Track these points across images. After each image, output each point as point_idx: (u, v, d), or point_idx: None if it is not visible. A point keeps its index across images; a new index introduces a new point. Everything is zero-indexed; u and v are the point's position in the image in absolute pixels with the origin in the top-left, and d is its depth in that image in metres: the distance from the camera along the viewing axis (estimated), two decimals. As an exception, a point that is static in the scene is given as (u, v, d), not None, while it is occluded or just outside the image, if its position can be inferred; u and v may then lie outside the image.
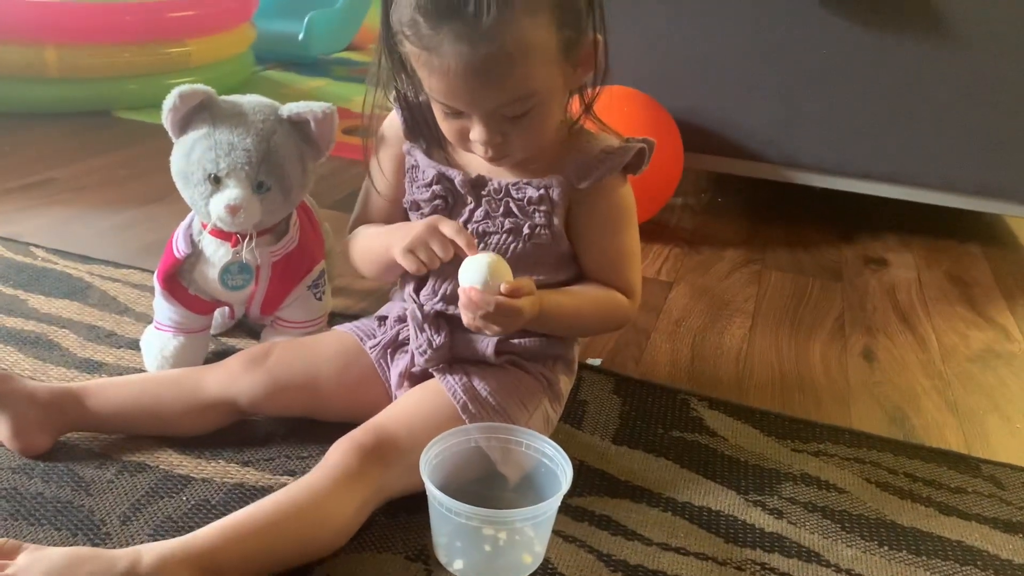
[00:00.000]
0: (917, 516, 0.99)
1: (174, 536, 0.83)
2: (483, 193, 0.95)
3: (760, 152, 1.89)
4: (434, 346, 0.95)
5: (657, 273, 1.62)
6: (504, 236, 0.95)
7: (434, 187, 0.96)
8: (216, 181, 1.03)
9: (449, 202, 0.97)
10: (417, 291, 0.99)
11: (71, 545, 0.81)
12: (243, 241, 1.07)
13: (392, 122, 1.01)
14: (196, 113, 1.04)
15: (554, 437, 0.99)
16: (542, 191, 0.93)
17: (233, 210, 1.02)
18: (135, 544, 0.82)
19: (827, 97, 1.80)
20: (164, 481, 0.92)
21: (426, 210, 0.97)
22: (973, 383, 1.32)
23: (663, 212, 1.88)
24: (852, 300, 1.59)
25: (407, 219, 1.02)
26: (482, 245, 0.95)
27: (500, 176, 0.95)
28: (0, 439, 0.94)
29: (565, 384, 1.04)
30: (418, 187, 0.98)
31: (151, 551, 0.74)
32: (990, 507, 1.01)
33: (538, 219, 0.94)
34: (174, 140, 1.06)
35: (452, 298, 0.94)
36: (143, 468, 0.94)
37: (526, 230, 0.94)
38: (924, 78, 1.74)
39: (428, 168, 0.97)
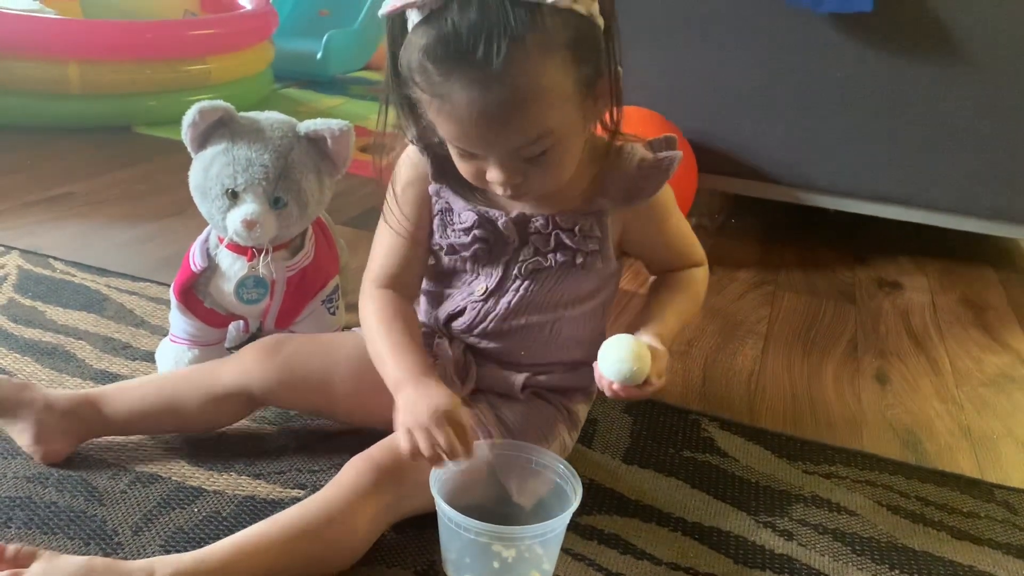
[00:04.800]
0: (929, 540, 0.98)
1: (185, 547, 0.84)
2: (530, 231, 0.91)
3: (774, 174, 1.89)
4: (464, 385, 0.95)
5: (670, 293, 1.62)
6: (556, 271, 0.92)
7: (475, 231, 0.91)
8: (233, 196, 1.04)
9: (491, 243, 0.92)
10: (448, 323, 0.97)
11: (83, 554, 0.81)
12: (259, 255, 1.08)
13: (410, 160, 0.94)
14: (215, 129, 1.05)
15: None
16: (592, 218, 0.90)
17: (250, 225, 1.03)
18: (147, 555, 0.82)
19: (842, 120, 1.80)
20: (176, 492, 0.93)
21: (466, 254, 0.93)
22: (987, 408, 1.31)
23: (676, 233, 1.88)
24: (865, 323, 1.58)
25: (420, 258, 0.97)
26: (529, 283, 0.92)
27: (541, 210, 0.90)
28: (21, 446, 0.95)
29: (582, 411, 1.02)
30: (454, 231, 0.93)
31: (165, 566, 0.74)
32: (1003, 532, 1.01)
33: (591, 246, 0.90)
34: (193, 155, 1.07)
35: (486, 334, 0.94)
36: (155, 479, 0.94)
37: (579, 260, 0.90)
38: (939, 102, 1.74)
39: (465, 211, 0.91)
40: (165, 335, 1.18)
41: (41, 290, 1.36)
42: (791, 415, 1.23)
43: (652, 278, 1.04)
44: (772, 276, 1.77)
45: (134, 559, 0.81)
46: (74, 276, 1.42)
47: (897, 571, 0.92)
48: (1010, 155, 1.75)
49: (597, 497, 0.99)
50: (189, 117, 1.03)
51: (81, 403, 0.96)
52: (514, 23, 0.72)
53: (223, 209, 1.05)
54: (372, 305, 0.94)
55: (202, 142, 1.06)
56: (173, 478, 0.95)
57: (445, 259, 0.96)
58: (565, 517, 0.81)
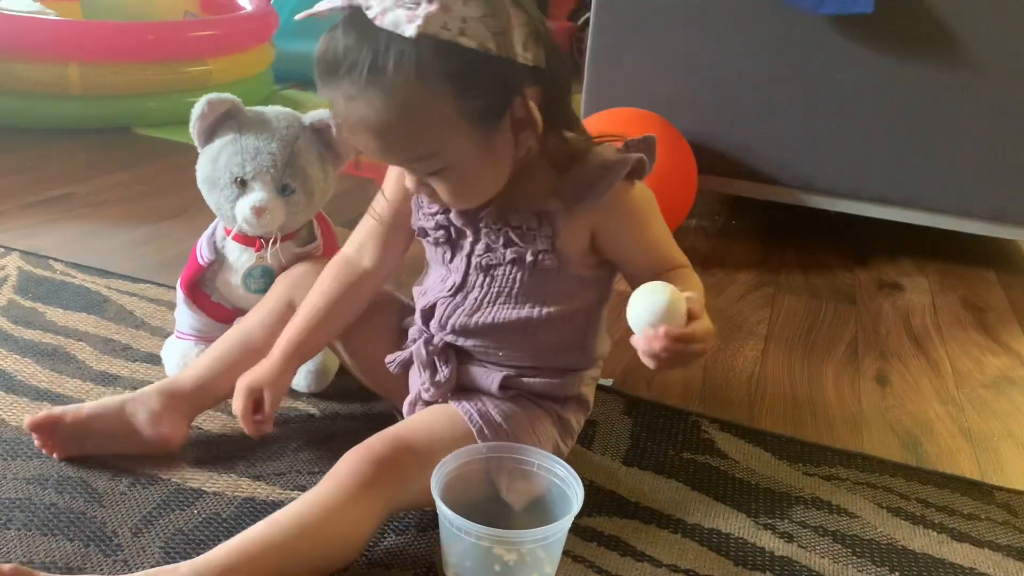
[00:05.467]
0: (929, 542, 0.98)
1: (185, 548, 0.84)
2: (481, 226, 0.92)
3: (775, 175, 1.89)
4: (436, 383, 0.95)
5: (670, 295, 1.62)
6: (508, 267, 0.92)
7: (437, 216, 0.94)
8: (242, 184, 1.06)
9: (451, 234, 0.94)
10: (426, 321, 0.97)
11: (83, 556, 0.81)
12: (267, 245, 1.09)
13: None
14: (222, 122, 1.07)
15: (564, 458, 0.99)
16: (541, 215, 0.90)
17: (259, 211, 1.05)
18: (146, 556, 0.83)
19: (843, 121, 1.81)
20: (176, 494, 0.93)
21: (430, 239, 0.96)
22: (987, 409, 1.31)
23: (676, 234, 1.85)
24: (866, 324, 1.58)
25: (385, 235, 1.02)
26: (488, 279, 0.93)
27: (495, 207, 0.91)
28: (146, 434, 0.98)
29: (577, 422, 1.01)
30: (424, 215, 0.96)
31: None
32: (1003, 534, 1.00)
33: (540, 244, 0.90)
34: (200, 149, 1.09)
35: (461, 331, 0.94)
36: (155, 481, 0.94)
37: (529, 257, 0.90)
38: (940, 103, 1.74)
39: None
40: (165, 336, 1.18)
41: (41, 291, 1.36)
42: (791, 417, 1.23)
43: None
44: (772, 277, 1.77)
45: (134, 560, 0.82)
46: (74, 277, 1.42)
47: (897, 573, 0.92)
48: (1010, 155, 1.75)
49: (597, 499, 0.99)
50: (198, 109, 1.05)
51: (167, 386, 1.00)
52: (382, 51, 0.74)
53: (232, 198, 1.06)
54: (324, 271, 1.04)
55: (209, 135, 1.08)
56: (173, 480, 0.95)
57: (426, 251, 1.00)
58: (567, 520, 0.80)
